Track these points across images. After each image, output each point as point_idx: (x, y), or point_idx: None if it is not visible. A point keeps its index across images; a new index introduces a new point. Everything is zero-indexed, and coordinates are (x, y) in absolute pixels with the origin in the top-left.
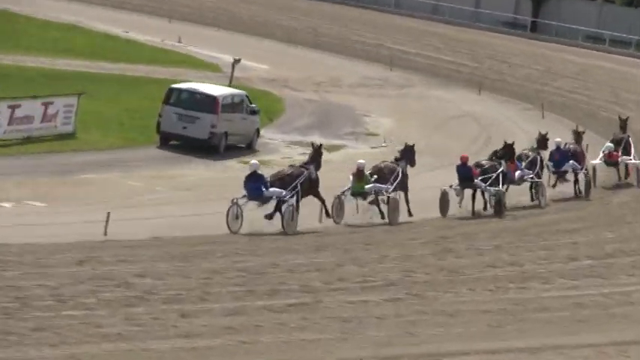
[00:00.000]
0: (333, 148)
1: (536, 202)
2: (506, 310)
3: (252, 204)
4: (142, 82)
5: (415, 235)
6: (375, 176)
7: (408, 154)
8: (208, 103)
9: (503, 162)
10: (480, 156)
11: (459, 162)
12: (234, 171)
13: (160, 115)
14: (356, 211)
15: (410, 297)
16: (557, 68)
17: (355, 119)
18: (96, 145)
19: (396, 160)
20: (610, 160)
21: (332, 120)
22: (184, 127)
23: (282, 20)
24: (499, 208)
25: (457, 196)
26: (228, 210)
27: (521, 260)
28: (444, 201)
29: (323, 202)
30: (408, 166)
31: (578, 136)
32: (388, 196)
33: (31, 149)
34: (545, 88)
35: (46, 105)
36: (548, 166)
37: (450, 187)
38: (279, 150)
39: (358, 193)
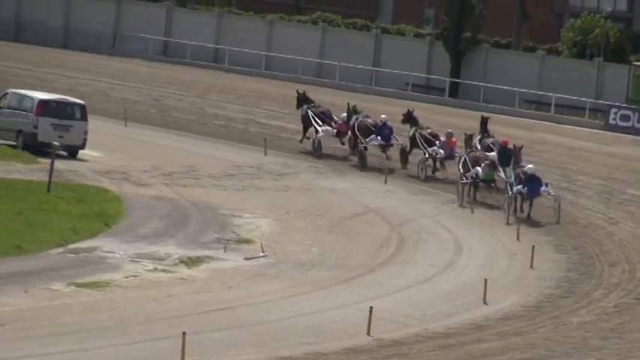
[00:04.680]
0: (194, 261)
1: None
2: None
3: None
4: None
5: None
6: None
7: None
8: (80, 111)
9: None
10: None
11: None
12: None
13: (35, 127)
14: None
15: None
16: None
17: (222, 221)
18: None
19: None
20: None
21: (190, 224)
22: (60, 137)
23: (115, 89)
24: None
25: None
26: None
27: None
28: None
29: None
30: None
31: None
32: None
33: None
34: None
35: None
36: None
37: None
38: (122, 266)
39: (490, 179)
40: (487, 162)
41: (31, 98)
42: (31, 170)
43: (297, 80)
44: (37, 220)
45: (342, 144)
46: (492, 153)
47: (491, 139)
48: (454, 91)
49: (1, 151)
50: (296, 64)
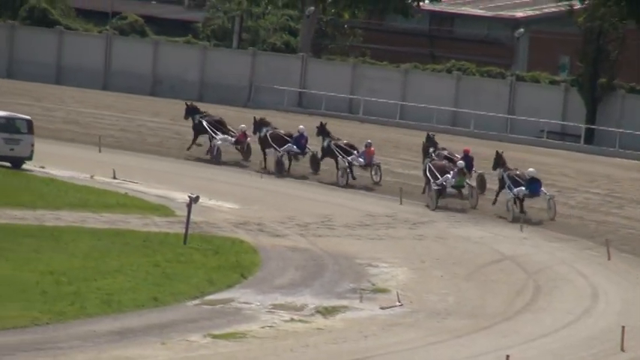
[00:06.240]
0: (330, 311)
1: None
2: None
3: None
4: (69, 234)
5: None
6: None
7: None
8: (27, 126)
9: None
10: None
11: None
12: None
13: None
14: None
15: None
16: (624, 190)
17: (357, 271)
18: (11, 323)
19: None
20: None
21: (326, 274)
22: (11, 149)
23: (250, 141)
24: None
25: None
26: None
27: None
28: None
29: None
30: None
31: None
32: (472, 187)
33: None
34: (609, 219)
35: None
36: None
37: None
38: (258, 317)
39: (460, 186)
40: (457, 169)
41: None
42: (167, 222)
43: (431, 129)
44: (174, 272)
45: (238, 150)
46: (460, 161)
47: (445, 151)
48: (590, 137)
49: (138, 204)
50: (430, 112)
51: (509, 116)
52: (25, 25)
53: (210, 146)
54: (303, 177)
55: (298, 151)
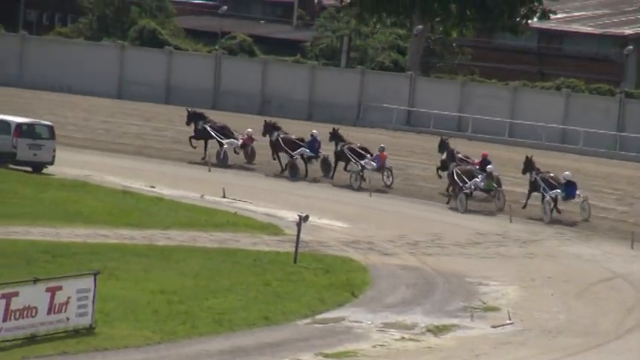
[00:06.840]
0: (441, 330)
1: None
2: None
3: None
4: (179, 253)
5: None
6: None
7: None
8: (49, 131)
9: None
10: None
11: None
12: None
13: (14, 147)
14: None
15: None
16: None
17: (468, 290)
18: (123, 342)
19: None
20: None
21: (437, 292)
22: (35, 154)
23: None
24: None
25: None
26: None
27: None
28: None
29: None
30: None
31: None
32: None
33: (37, 351)
34: None
35: (53, 291)
36: None
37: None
38: (369, 336)
39: (489, 189)
40: (486, 173)
41: (7, 122)
42: (277, 241)
43: (540, 147)
44: (285, 291)
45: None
46: (489, 166)
47: (460, 155)
48: None
49: (248, 223)
50: (539, 130)
51: (619, 133)
52: (135, 45)
53: (217, 151)
54: (409, 195)
55: (312, 154)
